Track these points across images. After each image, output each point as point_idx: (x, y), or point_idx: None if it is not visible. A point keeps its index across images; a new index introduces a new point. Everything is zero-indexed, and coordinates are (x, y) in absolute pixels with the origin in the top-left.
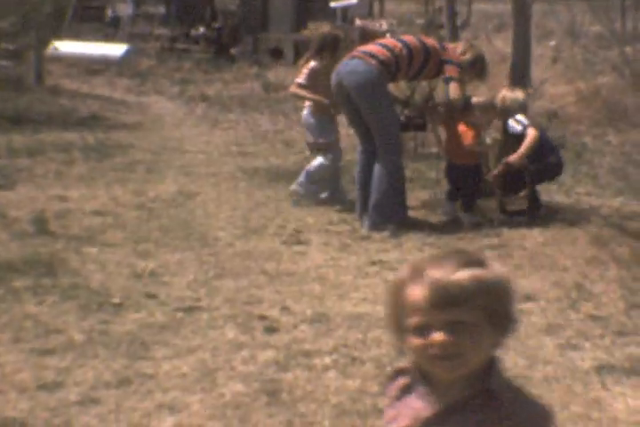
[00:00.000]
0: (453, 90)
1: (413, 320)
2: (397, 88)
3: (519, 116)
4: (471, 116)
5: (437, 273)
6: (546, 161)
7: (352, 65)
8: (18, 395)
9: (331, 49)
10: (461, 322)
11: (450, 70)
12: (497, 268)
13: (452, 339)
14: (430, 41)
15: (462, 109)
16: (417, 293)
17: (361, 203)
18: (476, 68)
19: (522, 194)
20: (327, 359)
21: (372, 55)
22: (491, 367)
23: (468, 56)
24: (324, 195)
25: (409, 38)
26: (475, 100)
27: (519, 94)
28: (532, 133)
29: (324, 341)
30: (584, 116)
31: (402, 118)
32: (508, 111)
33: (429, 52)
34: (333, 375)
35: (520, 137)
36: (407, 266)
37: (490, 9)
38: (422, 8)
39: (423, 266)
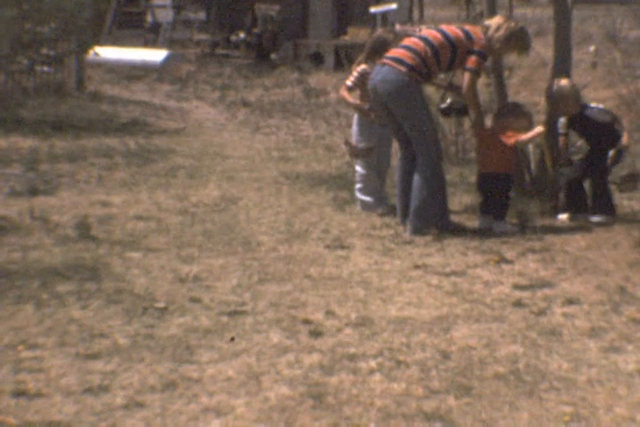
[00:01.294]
0: (466, 81)
1: None
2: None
3: (595, 104)
4: (505, 120)
5: None
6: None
7: (383, 73)
8: (63, 399)
9: (381, 52)
10: None
11: (470, 61)
12: None
13: None
14: (455, 31)
15: (496, 115)
16: None
17: (401, 208)
18: (512, 43)
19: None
20: (372, 363)
21: (401, 61)
22: None
23: (500, 33)
24: (380, 210)
25: (432, 34)
26: (503, 104)
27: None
28: (619, 118)
29: (368, 344)
30: (625, 121)
31: (442, 105)
32: (575, 99)
33: (455, 45)
34: (378, 379)
35: (605, 125)
36: None
37: (529, 14)
38: (462, 13)
39: None
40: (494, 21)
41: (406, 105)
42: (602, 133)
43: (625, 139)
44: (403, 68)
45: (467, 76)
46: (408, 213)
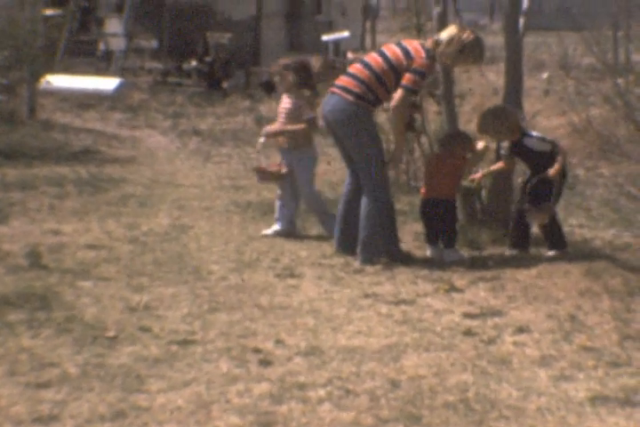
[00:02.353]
0: (396, 97)
1: None
2: None
3: (536, 133)
4: (450, 149)
5: None
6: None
7: (332, 102)
8: None
9: (306, 81)
10: None
11: (405, 78)
12: None
13: None
14: (395, 52)
15: (442, 142)
16: None
17: (339, 236)
18: (463, 56)
19: (547, 208)
20: (321, 392)
21: (348, 90)
22: None
23: (451, 48)
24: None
25: (374, 59)
26: (447, 132)
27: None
28: (564, 151)
29: (318, 373)
30: (577, 149)
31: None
32: (505, 131)
33: (396, 68)
34: (328, 408)
35: (544, 154)
36: None
37: None
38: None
39: None
40: (447, 34)
41: (355, 134)
42: (539, 162)
43: (552, 170)
44: (350, 97)
45: (399, 92)
46: (346, 241)
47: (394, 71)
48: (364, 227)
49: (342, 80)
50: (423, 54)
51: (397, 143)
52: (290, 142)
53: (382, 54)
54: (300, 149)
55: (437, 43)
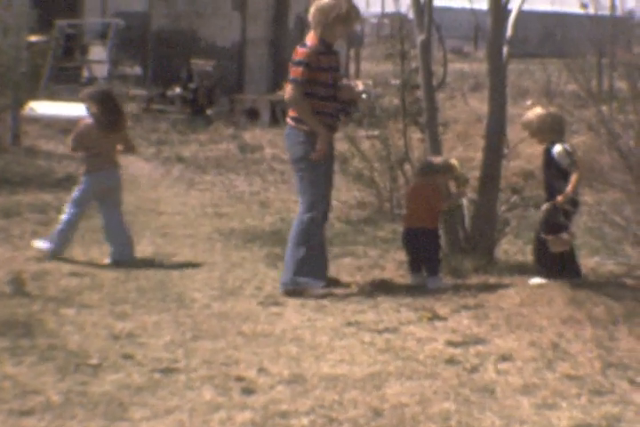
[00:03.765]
0: (287, 92)
1: None
2: None
3: (568, 146)
4: (430, 177)
5: None
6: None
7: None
8: None
9: None
10: None
11: (291, 71)
12: None
13: None
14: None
15: (420, 171)
16: None
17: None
18: (325, 19)
19: (565, 235)
20: (304, 420)
21: (290, 117)
22: None
23: (315, 17)
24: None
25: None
26: (429, 160)
27: (552, 111)
28: (576, 175)
29: (301, 401)
30: None
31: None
32: (546, 131)
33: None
34: None
35: (560, 167)
36: None
37: (466, 68)
38: (398, 68)
39: None
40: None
41: (293, 157)
42: (553, 179)
43: (560, 196)
44: (291, 122)
45: (287, 87)
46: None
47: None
48: (295, 250)
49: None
50: (299, 48)
51: (312, 124)
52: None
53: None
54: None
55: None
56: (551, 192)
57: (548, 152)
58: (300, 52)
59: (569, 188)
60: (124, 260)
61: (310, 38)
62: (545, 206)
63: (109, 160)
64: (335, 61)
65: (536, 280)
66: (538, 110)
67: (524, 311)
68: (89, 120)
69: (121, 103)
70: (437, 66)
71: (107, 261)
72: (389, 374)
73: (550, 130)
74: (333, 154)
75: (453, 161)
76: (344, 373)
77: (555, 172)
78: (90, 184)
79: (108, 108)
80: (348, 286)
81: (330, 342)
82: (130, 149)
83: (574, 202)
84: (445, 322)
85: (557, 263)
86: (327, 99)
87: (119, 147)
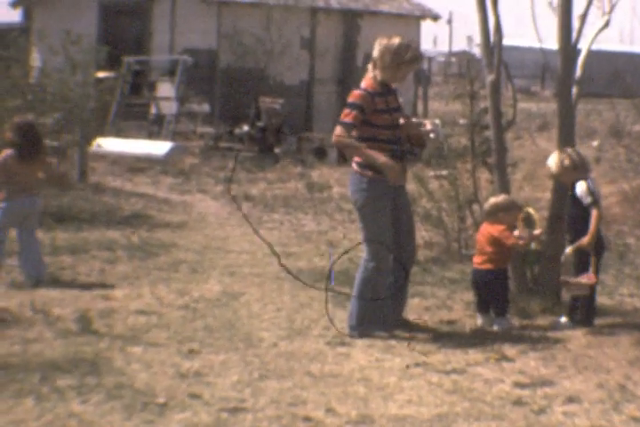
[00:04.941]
0: (334, 133)
1: None
2: None
3: (592, 182)
4: (496, 217)
5: None
6: (600, 235)
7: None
8: None
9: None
10: None
11: (342, 114)
12: None
13: None
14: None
15: (485, 211)
16: None
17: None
18: (390, 61)
19: (583, 279)
20: None
21: (355, 162)
22: None
23: (378, 60)
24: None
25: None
26: (493, 200)
27: (569, 153)
28: (595, 214)
29: None
30: (627, 217)
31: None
32: (569, 173)
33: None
34: None
35: (583, 206)
36: None
37: (534, 108)
38: (467, 108)
39: None
40: (376, 50)
41: (357, 206)
42: (575, 219)
43: (585, 238)
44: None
45: (335, 129)
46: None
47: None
48: (360, 297)
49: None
50: (354, 90)
51: (369, 157)
52: None
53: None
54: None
55: (374, 62)
56: (574, 233)
57: (573, 189)
58: (354, 95)
59: (591, 228)
60: (41, 279)
61: (367, 79)
62: (568, 250)
63: (28, 188)
64: (394, 101)
65: (560, 319)
66: (555, 155)
67: (590, 353)
68: (10, 150)
69: (41, 134)
70: (506, 106)
71: (27, 284)
72: (457, 415)
73: (573, 169)
74: (402, 201)
75: (530, 210)
76: (411, 413)
77: (578, 211)
78: (8, 210)
79: (28, 139)
80: (416, 326)
81: (397, 382)
82: (59, 180)
83: (600, 243)
84: (513, 363)
85: (573, 304)
86: (388, 141)
87: (42, 176)
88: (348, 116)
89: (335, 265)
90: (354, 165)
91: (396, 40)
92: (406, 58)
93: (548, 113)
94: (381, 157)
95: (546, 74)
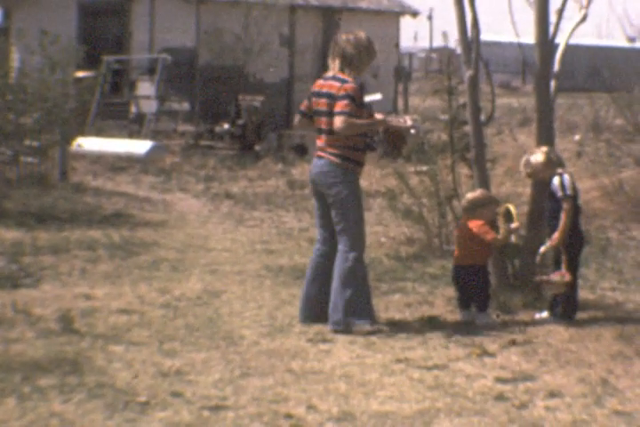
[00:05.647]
0: (339, 122)
1: None
2: None
3: (567, 177)
4: (474, 212)
5: None
6: (577, 230)
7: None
8: None
9: None
10: None
11: (339, 105)
12: None
13: None
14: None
15: (464, 207)
16: None
17: (307, 303)
18: (367, 52)
19: (555, 277)
20: None
21: (331, 153)
22: None
23: (361, 55)
24: None
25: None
26: (470, 196)
27: (542, 150)
28: (566, 208)
29: None
30: (608, 211)
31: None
32: (543, 170)
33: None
34: None
35: (558, 200)
36: None
37: (515, 103)
38: (446, 104)
39: None
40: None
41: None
42: (551, 214)
43: (555, 236)
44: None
45: (338, 119)
46: (313, 309)
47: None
48: (344, 289)
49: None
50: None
51: (368, 126)
52: None
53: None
54: None
55: (348, 58)
56: (553, 228)
57: (550, 185)
58: (351, 88)
59: (561, 224)
60: None
61: (346, 75)
62: (542, 249)
63: None
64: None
65: (542, 314)
66: (526, 155)
67: (572, 347)
68: None
69: None
70: (485, 101)
71: None
72: (438, 411)
73: (545, 166)
74: None
75: (509, 206)
76: (393, 410)
77: (555, 206)
78: None
79: None
80: (397, 322)
81: (379, 378)
82: None
83: (579, 238)
84: (494, 358)
85: (554, 299)
86: (366, 135)
87: None
88: (347, 106)
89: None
90: (332, 158)
91: (362, 35)
92: (375, 51)
93: (528, 108)
94: (376, 119)
95: (526, 69)
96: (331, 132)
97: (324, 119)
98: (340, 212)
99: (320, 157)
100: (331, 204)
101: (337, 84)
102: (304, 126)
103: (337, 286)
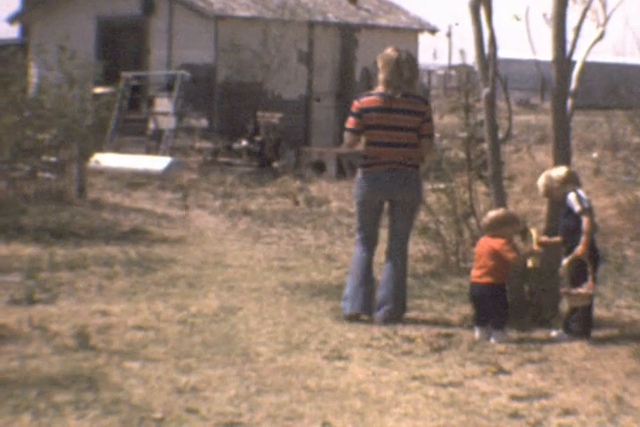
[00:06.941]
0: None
1: None
2: None
3: (582, 193)
4: (496, 230)
5: None
6: (594, 247)
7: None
8: None
9: None
10: None
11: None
12: None
13: None
14: None
15: (484, 225)
16: None
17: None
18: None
19: (582, 289)
20: None
21: (409, 164)
22: None
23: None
24: None
25: None
26: (493, 214)
27: (562, 170)
28: (586, 221)
29: None
30: (625, 229)
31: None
32: (558, 188)
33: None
34: None
35: (574, 216)
36: None
37: (532, 120)
38: (463, 121)
39: None
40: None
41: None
42: (568, 229)
43: (579, 248)
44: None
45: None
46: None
47: None
48: (397, 284)
49: None
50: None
51: None
52: None
53: None
54: None
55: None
56: (570, 245)
57: (565, 201)
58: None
59: (584, 237)
60: None
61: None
62: (565, 261)
63: None
64: None
65: (559, 331)
66: (543, 175)
67: (587, 365)
68: None
69: None
70: (503, 119)
71: None
72: None
73: (562, 184)
74: None
75: (532, 230)
76: None
77: (571, 222)
78: None
79: None
80: (413, 339)
81: (394, 396)
82: None
83: (595, 255)
84: (510, 376)
85: (569, 316)
86: None
87: None
88: (347, 122)
89: (333, 280)
90: (414, 169)
91: (389, 51)
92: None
93: (547, 125)
94: None
95: (545, 86)
96: (411, 145)
97: (403, 134)
98: (412, 215)
99: (398, 170)
100: (401, 209)
101: (421, 102)
102: (357, 144)
103: (397, 280)
